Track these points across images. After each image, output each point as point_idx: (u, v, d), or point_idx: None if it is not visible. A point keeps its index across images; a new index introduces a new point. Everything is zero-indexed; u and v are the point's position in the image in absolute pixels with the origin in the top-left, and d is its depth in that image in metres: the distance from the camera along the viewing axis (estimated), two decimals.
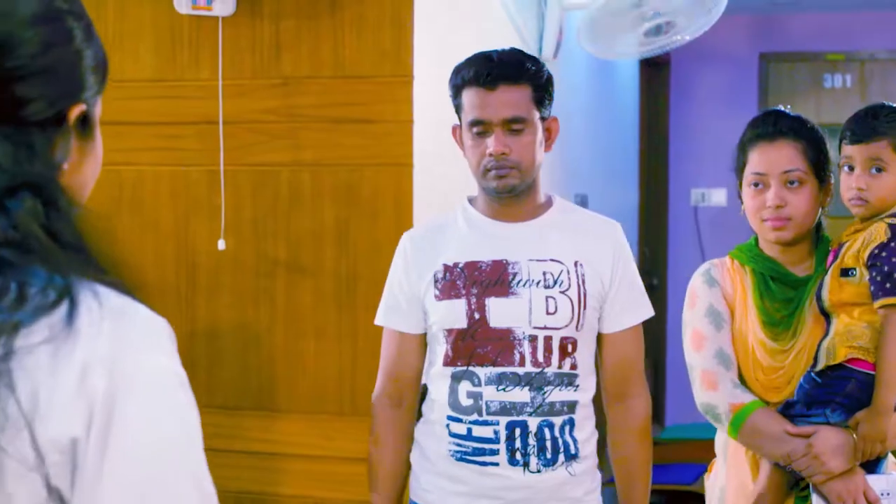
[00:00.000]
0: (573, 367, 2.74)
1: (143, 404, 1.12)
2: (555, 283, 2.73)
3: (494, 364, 2.71)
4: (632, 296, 2.82)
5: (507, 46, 2.83)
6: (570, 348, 2.73)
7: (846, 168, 2.73)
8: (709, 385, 2.76)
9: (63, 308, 1.11)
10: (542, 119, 2.77)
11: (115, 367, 1.11)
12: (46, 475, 1.09)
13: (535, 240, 2.78)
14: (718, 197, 7.67)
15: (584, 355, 2.77)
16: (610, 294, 2.78)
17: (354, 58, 3.61)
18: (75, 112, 1.25)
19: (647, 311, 2.86)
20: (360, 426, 3.40)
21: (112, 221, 1.23)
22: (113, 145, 2.73)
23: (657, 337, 7.28)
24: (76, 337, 1.11)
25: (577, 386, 2.74)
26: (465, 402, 2.74)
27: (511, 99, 2.71)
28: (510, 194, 2.75)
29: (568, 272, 2.74)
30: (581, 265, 2.76)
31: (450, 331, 2.75)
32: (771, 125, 2.80)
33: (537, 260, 2.75)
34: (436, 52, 3.71)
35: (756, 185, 2.78)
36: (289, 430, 3.69)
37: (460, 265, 2.77)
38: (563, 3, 4.61)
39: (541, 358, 2.71)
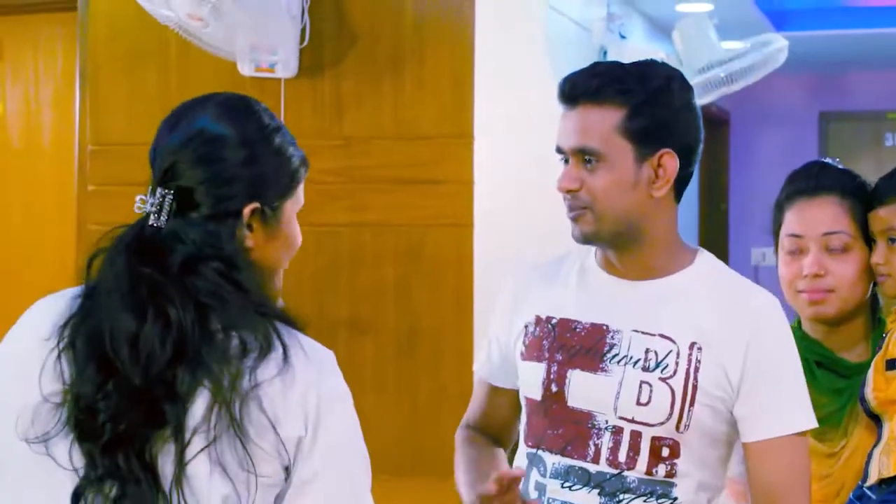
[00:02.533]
0: (670, 474, 2.07)
1: (335, 413, 1.65)
2: (656, 366, 2.07)
3: (563, 453, 2.11)
4: (781, 395, 2.08)
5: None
6: (665, 452, 2.07)
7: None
8: (738, 496, 2.28)
9: (279, 350, 1.61)
10: (644, 155, 2.07)
11: (319, 389, 1.63)
12: (286, 461, 1.61)
13: (646, 306, 2.11)
14: None
15: (694, 463, 2.09)
16: (743, 390, 2.06)
17: (415, 118, 3.64)
18: (247, 210, 1.71)
19: (807, 420, 2.09)
20: (421, 487, 3.38)
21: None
22: None
23: None
24: (294, 370, 1.62)
25: (676, 499, 2.07)
26: (532, 494, 2.15)
27: (586, 123, 2.06)
28: (589, 244, 2.15)
29: (677, 355, 2.06)
30: (699, 349, 2.06)
31: (529, 400, 2.18)
32: (812, 179, 2.36)
33: (643, 332, 2.09)
34: (497, 113, 3.73)
35: (792, 250, 2.34)
36: None
37: (554, 321, 2.16)
38: None
39: (622, 457, 2.07)
